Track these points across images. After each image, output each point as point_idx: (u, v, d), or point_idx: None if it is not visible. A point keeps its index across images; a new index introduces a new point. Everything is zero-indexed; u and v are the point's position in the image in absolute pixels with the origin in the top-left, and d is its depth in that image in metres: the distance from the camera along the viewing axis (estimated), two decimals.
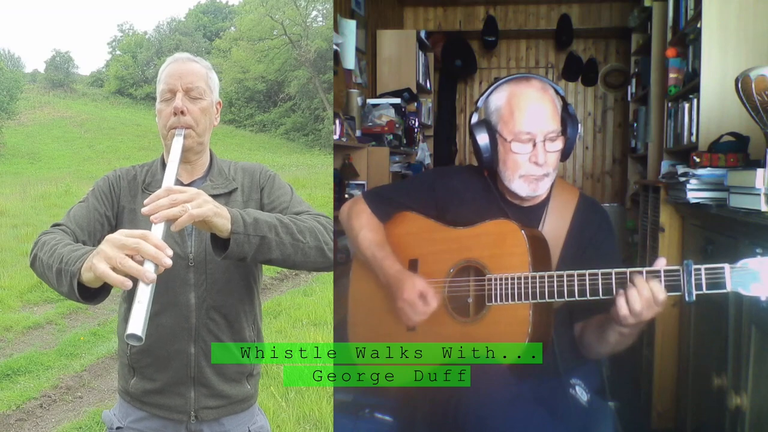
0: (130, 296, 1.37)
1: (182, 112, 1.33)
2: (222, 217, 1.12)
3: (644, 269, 1.29)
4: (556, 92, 1.51)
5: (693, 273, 1.24)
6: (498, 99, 1.51)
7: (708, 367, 2.09)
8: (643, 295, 1.27)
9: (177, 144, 1.31)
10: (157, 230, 1.06)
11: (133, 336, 0.97)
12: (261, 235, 1.16)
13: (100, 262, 1.01)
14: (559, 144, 1.48)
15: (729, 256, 1.27)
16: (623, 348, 1.47)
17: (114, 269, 1.00)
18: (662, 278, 1.27)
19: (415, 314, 1.48)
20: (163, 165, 1.42)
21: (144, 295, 1.00)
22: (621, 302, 1.29)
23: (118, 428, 1.40)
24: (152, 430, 1.37)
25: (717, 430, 1.88)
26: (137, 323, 0.98)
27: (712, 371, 1.88)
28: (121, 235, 1.03)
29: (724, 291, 1.23)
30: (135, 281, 1.02)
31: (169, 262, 1.02)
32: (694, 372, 2.37)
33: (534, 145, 1.46)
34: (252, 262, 1.22)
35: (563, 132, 1.49)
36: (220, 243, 1.16)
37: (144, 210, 1.08)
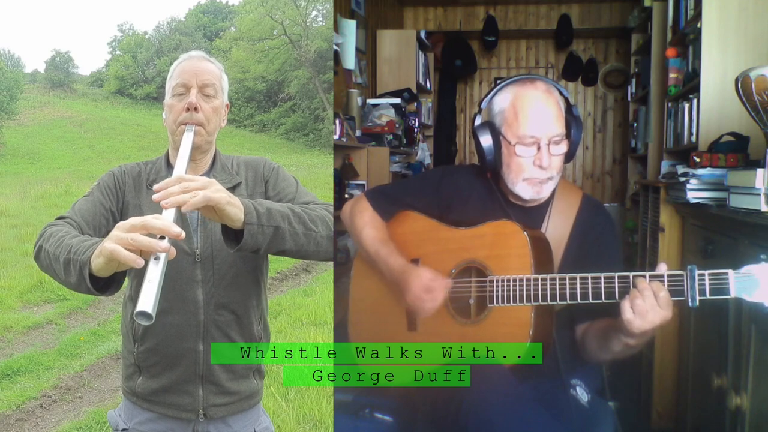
0: (133, 295, 1.37)
1: (195, 109, 1.32)
2: (235, 207, 1.09)
3: (647, 273, 1.28)
4: (560, 93, 1.50)
5: (697, 278, 1.23)
6: (502, 101, 1.50)
7: (708, 367, 2.09)
8: (645, 296, 1.25)
9: (187, 139, 1.29)
10: (167, 216, 1.04)
11: (143, 314, 0.93)
12: (275, 225, 1.14)
13: (110, 243, 0.99)
14: (563, 147, 1.47)
15: (729, 257, 1.27)
16: (625, 356, 1.44)
17: (126, 249, 0.98)
18: (665, 283, 1.26)
19: (426, 305, 1.48)
20: (168, 162, 1.42)
21: (154, 274, 0.97)
22: (625, 306, 1.27)
23: (123, 430, 1.39)
24: None
25: (717, 430, 1.87)
26: (148, 301, 0.94)
27: (712, 372, 1.88)
28: (132, 221, 1.01)
29: (727, 297, 1.22)
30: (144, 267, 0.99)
31: (179, 232, 0.99)
32: (694, 372, 2.37)
33: (538, 149, 1.45)
34: (265, 253, 1.20)
35: (567, 135, 1.48)
36: (232, 235, 1.14)
37: (155, 196, 1.06)
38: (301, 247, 1.18)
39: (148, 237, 0.98)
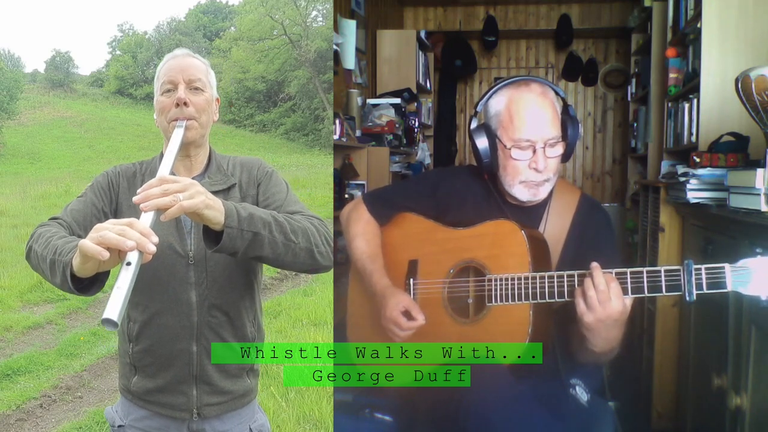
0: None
1: (185, 103, 1.33)
2: (214, 210, 1.10)
3: (644, 269, 1.29)
4: (557, 94, 1.50)
5: (693, 272, 1.24)
6: (497, 104, 1.49)
7: (708, 367, 2.09)
8: (596, 287, 1.27)
9: (177, 135, 1.29)
10: (146, 219, 1.04)
11: (109, 321, 0.92)
12: (254, 231, 1.14)
13: (84, 241, 1.00)
14: (559, 149, 1.47)
15: (729, 256, 1.27)
16: (603, 359, 1.46)
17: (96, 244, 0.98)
18: (663, 278, 1.27)
19: (399, 331, 1.49)
20: None
21: (124, 280, 0.96)
22: (578, 299, 1.30)
23: (119, 426, 1.40)
24: (154, 429, 1.37)
25: (717, 430, 1.88)
26: (114, 308, 0.93)
27: (712, 371, 1.88)
28: (108, 223, 1.01)
29: (724, 291, 1.23)
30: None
31: (153, 248, 0.99)
32: (694, 372, 2.37)
33: (534, 152, 1.45)
34: (242, 257, 1.21)
35: (564, 136, 1.48)
36: (212, 236, 1.14)
37: (135, 198, 1.06)
38: (278, 256, 1.19)
39: (116, 235, 0.98)
